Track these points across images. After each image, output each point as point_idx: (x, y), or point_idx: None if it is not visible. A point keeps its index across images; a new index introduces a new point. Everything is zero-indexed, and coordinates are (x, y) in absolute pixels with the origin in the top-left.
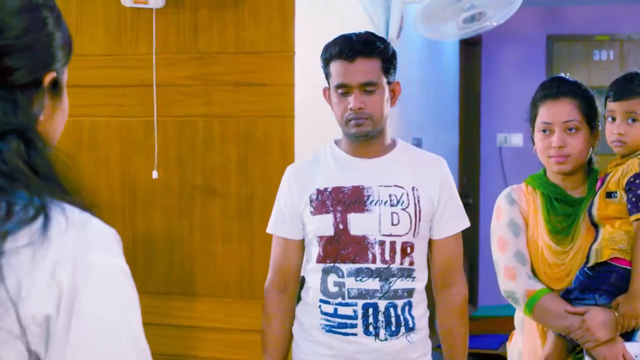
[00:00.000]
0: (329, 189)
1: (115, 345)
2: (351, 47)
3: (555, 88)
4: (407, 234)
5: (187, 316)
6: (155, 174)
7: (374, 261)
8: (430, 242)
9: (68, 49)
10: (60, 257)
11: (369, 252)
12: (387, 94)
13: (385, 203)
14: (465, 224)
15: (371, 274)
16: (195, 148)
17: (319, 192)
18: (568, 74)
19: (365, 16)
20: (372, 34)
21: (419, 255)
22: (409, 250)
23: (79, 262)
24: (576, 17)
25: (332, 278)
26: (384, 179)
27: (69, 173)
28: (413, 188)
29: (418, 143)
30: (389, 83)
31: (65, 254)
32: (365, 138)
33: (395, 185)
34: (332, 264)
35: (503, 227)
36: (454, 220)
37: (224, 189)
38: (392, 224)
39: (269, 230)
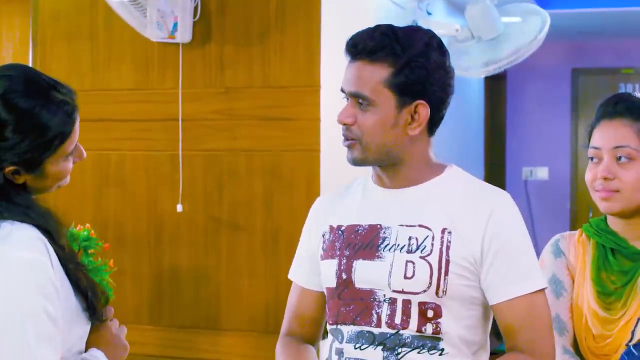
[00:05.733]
0: (342, 227)
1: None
2: (354, 42)
3: (611, 106)
4: (424, 291)
5: (213, 350)
6: (179, 207)
7: (378, 324)
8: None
9: (42, 147)
10: None
11: (373, 312)
12: (391, 116)
13: (401, 248)
14: (534, 284)
15: (372, 340)
16: (220, 182)
17: (331, 230)
18: (639, 93)
19: None
20: (395, 30)
21: (454, 323)
22: (430, 314)
23: None
24: (601, 50)
25: (335, 344)
26: (407, 216)
27: (40, 207)
28: (444, 230)
29: None
30: (403, 103)
31: None
32: (363, 166)
33: (419, 225)
34: (335, 326)
35: None
36: (512, 277)
37: (249, 224)
38: (405, 277)
39: (289, 274)
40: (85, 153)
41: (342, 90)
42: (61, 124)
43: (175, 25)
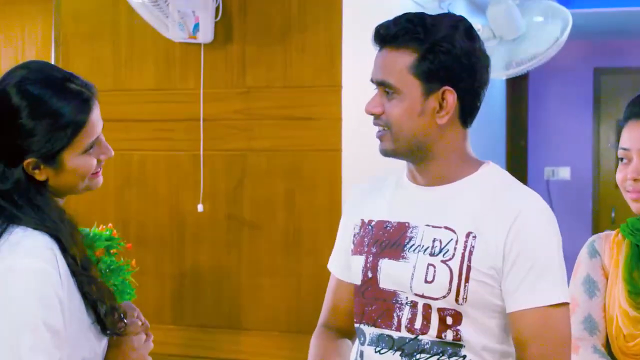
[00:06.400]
0: (373, 222)
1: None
2: (378, 30)
3: (638, 106)
4: (444, 297)
5: (234, 349)
6: (200, 207)
7: (397, 328)
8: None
9: (57, 135)
10: None
11: (394, 315)
12: (418, 104)
13: (425, 250)
14: (552, 296)
15: (392, 344)
16: (242, 182)
17: (362, 224)
18: None
19: None
20: (423, 16)
21: (475, 331)
22: (449, 321)
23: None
24: (623, 49)
25: (358, 345)
26: (434, 216)
27: (58, 213)
28: (469, 234)
29: None
30: (429, 90)
31: None
32: (395, 158)
33: (445, 227)
34: (359, 325)
35: (577, 285)
36: (529, 284)
37: (270, 223)
38: (426, 281)
39: (328, 264)
40: (111, 150)
41: (371, 81)
42: (74, 113)
43: (197, 25)
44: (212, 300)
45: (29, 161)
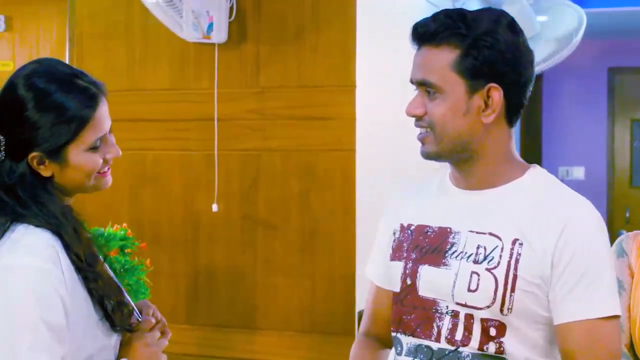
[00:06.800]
0: (412, 227)
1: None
2: (415, 27)
3: None
4: (488, 307)
5: (248, 349)
6: (215, 207)
7: (437, 339)
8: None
9: (61, 129)
10: None
11: (433, 325)
12: (462, 102)
13: (468, 257)
14: (601, 309)
15: (430, 355)
16: (256, 182)
17: (402, 228)
18: None
19: None
20: (463, 11)
21: (519, 344)
22: (493, 332)
23: None
24: (638, 49)
25: (394, 355)
26: (478, 222)
27: (62, 210)
28: (515, 241)
29: None
30: (474, 88)
31: None
32: (437, 160)
33: (490, 234)
34: (395, 333)
35: None
36: (576, 296)
37: (284, 223)
38: (469, 290)
39: (366, 272)
40: (119, 150)
41: (411, 81)
42: (79, 107)
43: (211, 25)
44: (226, 300)
45: (33, 155)
